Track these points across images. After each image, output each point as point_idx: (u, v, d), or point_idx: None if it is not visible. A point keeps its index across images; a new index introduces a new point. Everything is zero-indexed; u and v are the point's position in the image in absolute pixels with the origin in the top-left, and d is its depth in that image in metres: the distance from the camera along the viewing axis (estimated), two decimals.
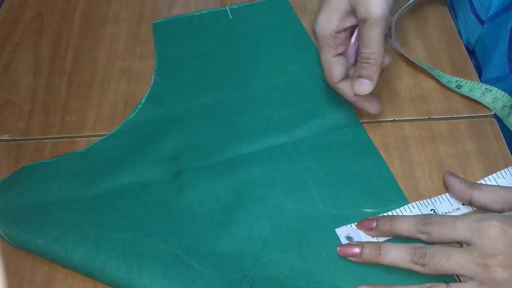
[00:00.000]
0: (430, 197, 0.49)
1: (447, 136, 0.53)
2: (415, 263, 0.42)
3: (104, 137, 0.54)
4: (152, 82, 0.58)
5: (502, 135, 0.53)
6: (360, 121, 0.55)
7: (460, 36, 0.62)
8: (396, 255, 0.43)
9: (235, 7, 0.66)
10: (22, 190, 0.50)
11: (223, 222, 0.47)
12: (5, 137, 0.55)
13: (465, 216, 0.43)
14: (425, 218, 0.43)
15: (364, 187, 0.49)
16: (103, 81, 0.60)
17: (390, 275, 0.44)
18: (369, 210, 0.48)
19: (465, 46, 0.61)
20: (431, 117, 0.55)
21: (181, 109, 0.56)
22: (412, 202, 0.48)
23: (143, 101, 0.57)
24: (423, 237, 0.43)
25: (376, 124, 0.55)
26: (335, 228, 0.47)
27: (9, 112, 0.57)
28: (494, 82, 0.58)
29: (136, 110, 0.56)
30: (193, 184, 0.50)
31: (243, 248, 0.46)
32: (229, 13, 0.65)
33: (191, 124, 0.55)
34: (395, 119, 0.55)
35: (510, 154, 0.51)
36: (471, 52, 0.62)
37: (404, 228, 0.44)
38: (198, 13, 0.65)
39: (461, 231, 0.42)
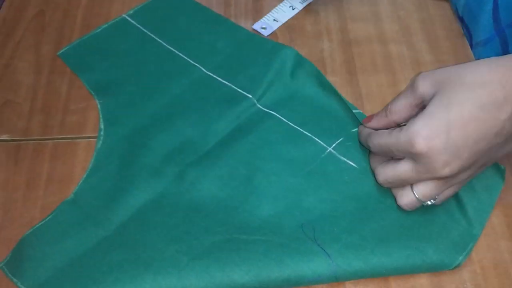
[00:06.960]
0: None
1: None
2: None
3: (85, 176, 0.51)
4: (99, 107, 0.56)
5: None
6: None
7: (451, 5, 0.64)
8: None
9: (131, 12, 0.64)
10: (36, 264, 0.45)
11: (253, 192, 0.49)
12: (5, 137, 0.55)
13: None
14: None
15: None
16: None
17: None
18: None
19: (456, 15, 0.63)
20: None
21: (144, 118, 0.55)
22: None
23: (102, 127, 0.54)
24: None
25: None
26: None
27: (9, 111, 0.57)
28: (482, 45, 0.60)
29: (101, 138, 0.54)
30: (200, 175, 0.50)
31: (285, 203, 0.48)
32: (129, 19, 0.64)
33: (163, 127, 0.54)
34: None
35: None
36: (461, 20, 0.63)
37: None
38: (99, 30, 0.63)
39: None
